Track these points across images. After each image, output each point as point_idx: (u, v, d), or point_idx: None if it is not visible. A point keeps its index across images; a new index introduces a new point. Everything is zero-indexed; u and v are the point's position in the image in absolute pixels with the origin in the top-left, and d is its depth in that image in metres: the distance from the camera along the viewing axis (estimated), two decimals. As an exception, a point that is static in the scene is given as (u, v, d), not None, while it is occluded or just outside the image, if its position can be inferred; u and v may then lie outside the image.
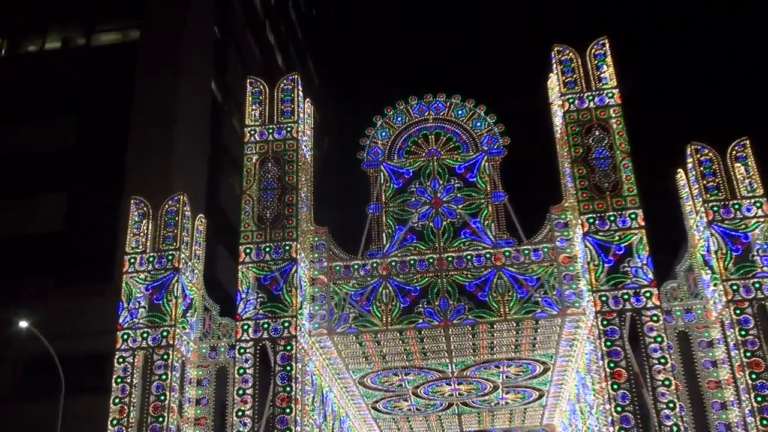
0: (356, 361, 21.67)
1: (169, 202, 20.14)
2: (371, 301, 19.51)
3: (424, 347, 20.93)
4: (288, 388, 17.82)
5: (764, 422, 16.48)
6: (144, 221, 20.08)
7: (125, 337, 18.94)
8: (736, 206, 18.32)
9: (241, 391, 17.95)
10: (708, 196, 18.54)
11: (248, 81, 21.22)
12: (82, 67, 37.98)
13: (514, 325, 19.62)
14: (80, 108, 35.97)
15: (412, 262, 19.77)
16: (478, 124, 21.29)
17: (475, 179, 20.70)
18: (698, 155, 18.96)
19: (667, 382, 16.98)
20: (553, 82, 20.55)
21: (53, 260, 31.93)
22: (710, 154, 18.91)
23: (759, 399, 16.63)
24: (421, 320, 19.27)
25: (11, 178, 33.65)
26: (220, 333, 20.29)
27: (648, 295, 17.73)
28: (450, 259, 19.67)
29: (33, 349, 24.56)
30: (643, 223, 18.25)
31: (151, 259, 19.62)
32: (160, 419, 18.05)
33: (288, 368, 17.98)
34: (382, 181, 21.02)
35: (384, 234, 20.27)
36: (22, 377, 30.45)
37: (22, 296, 28.45)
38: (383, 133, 21.53)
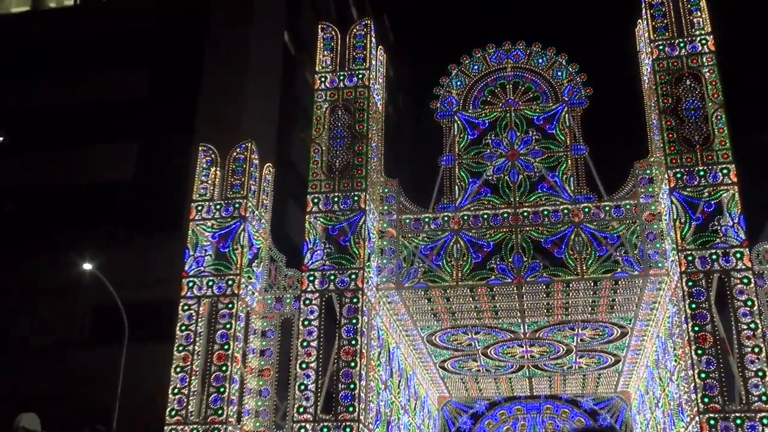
0: (425, 317, 21.02)
1: (237, 150, 19.70)
2: (441, 256, 18.79)
3: (495, 305, 20.16)
4: (353, 342, 17.27)
5: None
6: (212, 169, 19.72)
7: (190, 284, 18.65)
8: (840, 163, 16.95)
9: (305, 343, 17.48)
10: (808, 152, 17.22)
11: (320, 26, 20.52)
12: (155, 17, 37.87)
13: (592, 285, 18.67)
14: (153, 58, 35.90)
15: (485, 216, 18.95)
16: (559, 73, 20.24)
17: (554, 131, 19.71)
18: (799, 108, 17.60)
19: (756, 349, 15.86)
20: (642, 28, 19.33)
21: (123, 208, 32.15)
22: (812, 106, 17.55)
23: None
24: (493, 277, 18.49)
25: (84, 126, 33.84)
26: (286, 284, 19.87)
27: (738, 255, 16.57)
28: (526, 214, 18.78)
29: (101, 295, 24.63)
30: (735, 180, 16.99)
31: (218, 206, 19.25)
32: (224, 368, 17.76)
33: (354, 321, 17.43)
34: (455, 132, 20.18)
35: (456, 187, 19.49)
36: (90, 323, 30.87)
37: (91, 243, 28.64)
38: (458, 82, 20.63)
